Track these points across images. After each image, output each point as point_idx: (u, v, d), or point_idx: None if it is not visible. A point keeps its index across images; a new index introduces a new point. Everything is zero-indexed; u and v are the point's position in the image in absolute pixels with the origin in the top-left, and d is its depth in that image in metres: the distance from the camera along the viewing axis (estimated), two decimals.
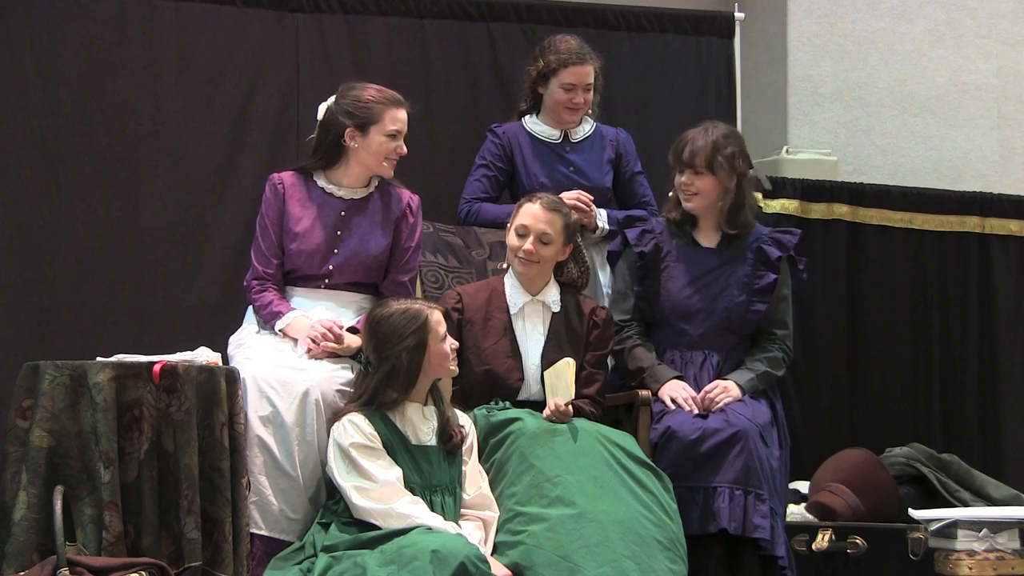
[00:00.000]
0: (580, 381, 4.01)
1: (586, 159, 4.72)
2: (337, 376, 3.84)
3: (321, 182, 4.15)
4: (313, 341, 3.89)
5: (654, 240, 4.35)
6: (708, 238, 4.38)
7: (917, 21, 6.00)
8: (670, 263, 4.34)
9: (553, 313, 4.11)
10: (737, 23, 5.36)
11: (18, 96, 4.62)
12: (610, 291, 4.51)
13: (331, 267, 4.08)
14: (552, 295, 4.12)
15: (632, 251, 4.35)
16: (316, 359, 3.88)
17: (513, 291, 4.11)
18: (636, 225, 4.42)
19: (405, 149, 4.10)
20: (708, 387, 4.14)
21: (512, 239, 4.09)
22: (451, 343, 3.75)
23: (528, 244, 4.04)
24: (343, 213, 4.12)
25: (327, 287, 4.09)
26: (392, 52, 5.00)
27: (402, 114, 4.09)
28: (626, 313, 4.31)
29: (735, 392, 4.13)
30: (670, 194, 4.40)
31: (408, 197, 4.21)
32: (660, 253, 4.34)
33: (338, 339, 3.89)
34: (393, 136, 4.07)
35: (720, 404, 4.08)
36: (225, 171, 4.80)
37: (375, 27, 5.00)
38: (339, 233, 4.10)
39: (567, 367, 3.88)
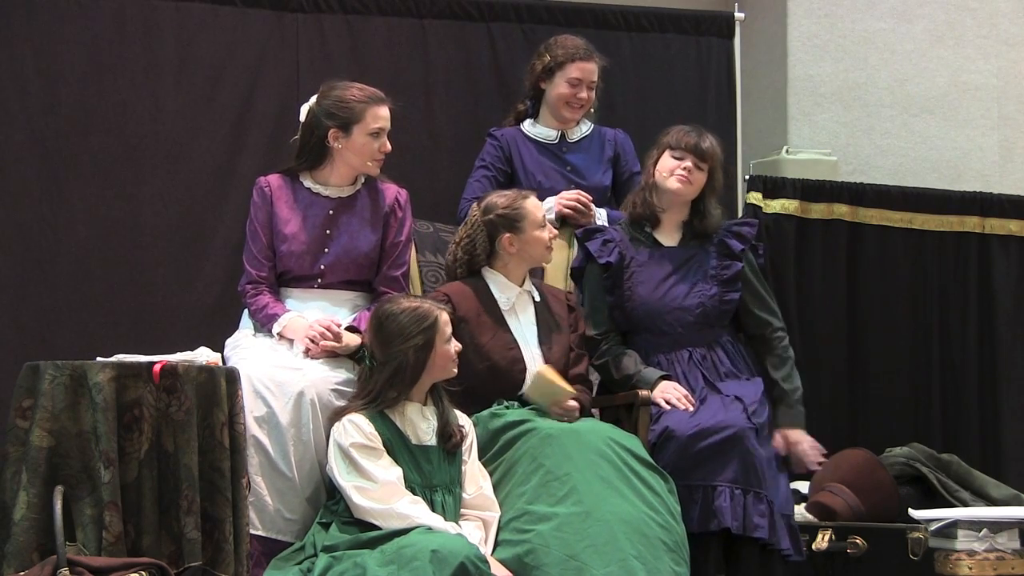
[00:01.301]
0: (570, 361, 4.07)
1: (584, 159, 4.74)
2: (333, 376, 3.84)
3: (307, 183, 4.14)
4: (312, 341, 3.89)
5: (616, 248, 4.32)
6: (669, 237, 4.37)
7: (917, 21, 6.00)
8: (635, 268, 4.32)
9: (536, 300, 4.14)
10: (737, 23, 5.37)
11: (18, 96, 4.62)
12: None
13: (323, 266, 4.08)
14: (529, 284, 4.16)
15: (596, 264, 4.34)
16: (315, 359, 3.88)
17: (501, 287, 4.10)
18: (595, 237, 4.38)
19: (389, 146, 4.09)
20: (798, 454, 4.24)
21: (542, 234, 4.12)
22: (455, 345, 3.76)
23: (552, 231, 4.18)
24: (331, 212, 4.11)
25: (320, 287, 4.09)
26: (392, 52, 5.00)
27: (384, 111, 4.08)
28: (601, 326, 4.28)
29: (811, 446, 4.26)
30: (648, 180, 4.36)
31: (396, 192, 4.21)
32: (624, 261, 4.32)
33: (337, 338, 3.89)
34: (376, 135, 4.06)
35: (816, 460, 4.25)
36: (225, 171, 4.80)
37: (375, 27, 5.00)
38: (328, 232, 4.09)
39: (547, 372, 3.91)
